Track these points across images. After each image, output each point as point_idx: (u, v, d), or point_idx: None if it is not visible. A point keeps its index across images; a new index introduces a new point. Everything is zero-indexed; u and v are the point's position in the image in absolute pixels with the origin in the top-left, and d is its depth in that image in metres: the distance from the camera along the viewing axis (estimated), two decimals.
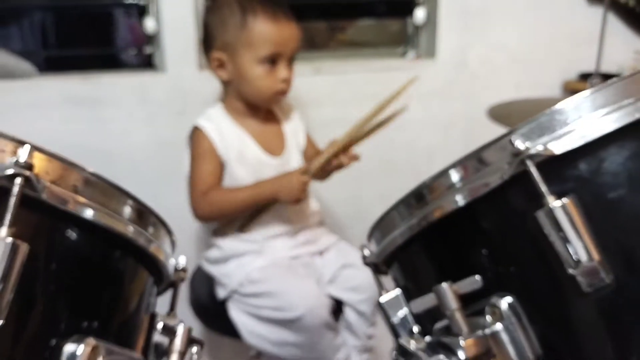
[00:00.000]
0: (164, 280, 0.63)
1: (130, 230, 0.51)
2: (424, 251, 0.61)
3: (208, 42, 1.30)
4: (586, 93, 0.52)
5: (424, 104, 1.70)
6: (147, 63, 1.63)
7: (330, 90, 1.65)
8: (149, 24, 1.54)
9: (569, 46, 1.76)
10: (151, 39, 1.59)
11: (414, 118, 1.71)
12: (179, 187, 1.34)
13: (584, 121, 0.51)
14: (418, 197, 0.59)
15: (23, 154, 0.43)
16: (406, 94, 1.68)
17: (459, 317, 0.51)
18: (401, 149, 1.72)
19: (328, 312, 1.21)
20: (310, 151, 1.43)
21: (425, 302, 0.54)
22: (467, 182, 0.55)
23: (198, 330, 1.48)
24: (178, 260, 0.64)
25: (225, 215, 1.30)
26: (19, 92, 1.46)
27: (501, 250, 0.55)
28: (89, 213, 0.47)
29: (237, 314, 1.28)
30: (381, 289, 0.66)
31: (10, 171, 0.42)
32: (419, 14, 1.69)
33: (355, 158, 1.30)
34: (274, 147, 1.34)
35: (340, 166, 1.29)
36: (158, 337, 0.60)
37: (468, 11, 1.67)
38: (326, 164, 1.27)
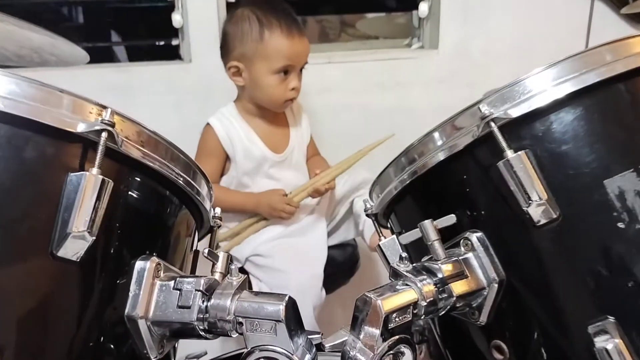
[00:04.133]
0: (204, 225, 0.77)
1: (180, 180, 0.65)
2: (413, 200, 0.75)
3: (226, 50, 1.44)
4: (539, 69, 0.65)
5: (429, 91, 1.83)
6: (174, 55, 1.77)
7: (341, 78, 1.78)
8: (176, 19, 1.68)
9: (563, 35, 1.87)
10: (178, 32, 1.73)
11: (420, 104, 1.84)
12: None
13: (537, 91, 0.64)
14: (407, 156, 0.72)
15: (106, 114, 0.57)
16: (411, 83, 1.81)
17: (437, 246, 0.64)
18: (408, 132, 1.82)
19: (318, 294, 1.37)
20: (312, 150, 1.59)
21: (412, 234, 0.67)
22: (445, 142, 0.68)
23: None
24: (215, 210, 0.78)
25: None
26: (62, 80, 1.59)
27: (472, 195, 0.68)
28: (150, 163, 0.61)
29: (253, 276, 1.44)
30: (380, 235, 0.79)
31: (98, 127, 0.56)
32: (423, 7, 1.82)
33: (331, 187, 1.45)
34: (278, 145, 1.48)
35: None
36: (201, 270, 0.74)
37: (468, 4, 1.79)
38: (306, 196, 1.43)
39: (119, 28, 1.85)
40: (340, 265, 1.51)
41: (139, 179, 0.62)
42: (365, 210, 0.81)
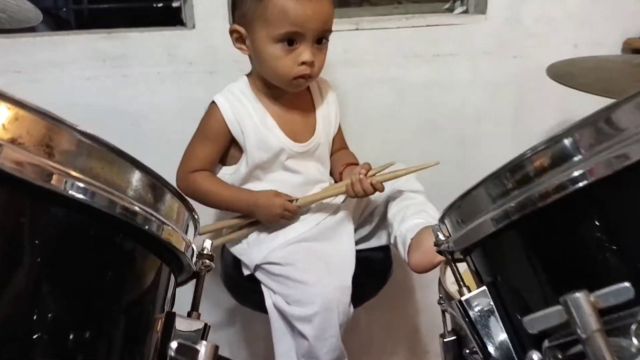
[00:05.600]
0: (184, 269, 0.47)
1: (134, 209, 0.35)
2: (522, 240, 0.44)
3: (232, 12, 1.14)
4: None
5: (473, 64, 1.51)
6: (176, 19, 1.46)
7: (370, 48, 1.46)
8: None
9: (631, 1, 1.53)
10: None
11: (461, 79, 1.52)
12: None
13: None
14: (517, 172, 0.41)
15: None
16: (452, 55, 1.49)
17: (601, 342, 0.34)
18: (446, 112, 1.53)
19: (346, 310, 1.08)
20: (338, 142, 1.27)
21: (547, 319, 0.37)
22: (593, 153, 0.38)
23: (230, 303, 1.34)
24: (204, 244, 0.48)
25: (200, 202, 1.16)
26: (41, 49, 1.32)
27: None
28: (69, 187, 0.31)
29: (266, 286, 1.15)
30: (462, 285, 0.49)
31: None
32: None
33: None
34: (300, 132, 1.17)
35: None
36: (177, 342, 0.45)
37: None
38: (318, 201, 1.16)
39: None
40: (371, 272, 1.22)
41: (44, 220, 0.32)
42: (436, 244, 0.51)
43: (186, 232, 0.45)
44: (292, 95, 1.16)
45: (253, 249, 1.16)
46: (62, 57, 1.34)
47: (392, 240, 1.18)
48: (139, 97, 1.39)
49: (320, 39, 1.08)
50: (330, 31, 1.10)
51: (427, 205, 1.18)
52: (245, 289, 1.19)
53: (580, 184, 0.37)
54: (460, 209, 0.48)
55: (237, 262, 1.20)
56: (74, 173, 0.31)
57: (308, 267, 1.10)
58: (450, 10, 1.56)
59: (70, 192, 0.31)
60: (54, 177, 0.30)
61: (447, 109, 1.52)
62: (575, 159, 0.38)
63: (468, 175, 1.57)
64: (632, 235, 0.38)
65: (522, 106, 1.54)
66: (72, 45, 1.35)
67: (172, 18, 1.44)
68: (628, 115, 0.37)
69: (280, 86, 1.12)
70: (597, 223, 0.39)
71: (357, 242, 1.22)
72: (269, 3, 1.03)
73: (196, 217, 0.46)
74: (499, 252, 0.47)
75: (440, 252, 0.51)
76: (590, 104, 1.34)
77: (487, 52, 1.50)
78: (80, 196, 0.31)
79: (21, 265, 0.31)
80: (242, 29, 1.08)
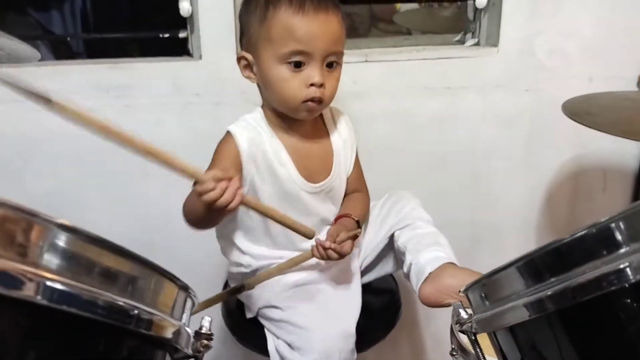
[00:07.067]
0: (181, 349, 0.43)
1: (118, 307, 0.30)
2: (560, 334, 0.39)
3: (241, 40, 1.07)
4: None
5: (484, 97, 1.47)
6: (181, 49, 1.42)
7: (379, 81, 1.43)
8: (184, 6, 1.33)
9: None
10: (186, 22, 1.38)
11: (472, 113, 1.48)
12: None
13: None
14: (555, 258, 0.37)
15: None
16: (463, 87, 1.45)
17: None
18: (457, 147, 1.49)
19: (348, 358, 1.01)
20: (353, 181, 1.17)
21: None
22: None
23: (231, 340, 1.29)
24: (202, 321, 0.44)
25: (191, 217, 0.99)
26: (44, 79, 1.28)
27: None
28: (41, 293, 0.26)
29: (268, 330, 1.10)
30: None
31: None
32: None
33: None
34: (316, 171, 1.09)
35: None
36: None
37: None
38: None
39: (118, 18, 1.52)
40: (377, 316, 1.16)
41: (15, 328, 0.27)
42: (458, 322, 0.46)
43: (182, 312, 0.41)
44: (308, 130, 1.09)
45: (255, 292, 1.10)
46: (64, 86, 1.30)
47: (405, 269, 1.11)
48: (142, 128, 1.33)
49: (331, 63, 1.01)
50: (341, 54, 1.02)
51: (439, 236, 1.12)
52: (248, 332, 1.14)
53: (627, 280, 0.33)
54: (485, 287, 0.43)
55: (240, 303, 1.16)
56: (49, 275, 0.27)
57: (309, 311, 1.04)
58: (462, 42, 1.53)
59: (42, 300, 0.26)
60: (27, 283, 0.26)
61: (457, 143, 1.48)
62: (623, 249, 0.33)
63: (479, 211, 1.55)
64: None
65: (535, 141, 1.50)
66: (75, 74, 1.32)
67: (179, 49, 1.40)
68: None
69: (289, 114, 1.04)
70: None
71: (361, 273, 1.18)
72: (272, 21, 0.97)
73: (192, 293, 0.42)
74: (529, 337, 0.42)
75: (462, 332, 0.46)
76: (607, 141, 1.30)
77: (499, 85, 1.46)
78: (56, 304, 0.26)
79: None
80: (248, 55, 1.02)
